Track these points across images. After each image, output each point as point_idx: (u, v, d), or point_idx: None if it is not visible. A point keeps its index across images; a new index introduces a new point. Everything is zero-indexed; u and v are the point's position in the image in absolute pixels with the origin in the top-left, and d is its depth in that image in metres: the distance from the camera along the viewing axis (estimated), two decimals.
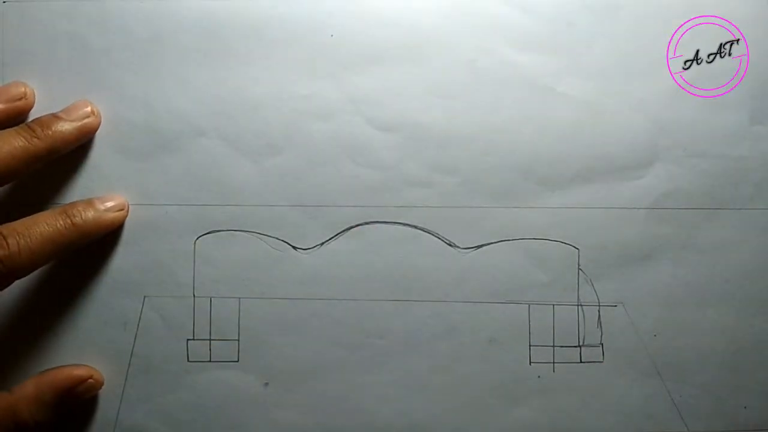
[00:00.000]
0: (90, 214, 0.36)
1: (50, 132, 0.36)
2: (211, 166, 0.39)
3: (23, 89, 0.38)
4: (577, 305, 0.39)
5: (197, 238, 0.39)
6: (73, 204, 0.37)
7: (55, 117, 0.37)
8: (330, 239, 0.39)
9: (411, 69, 0.39)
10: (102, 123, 0.39)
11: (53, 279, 0.38)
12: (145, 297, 0.39)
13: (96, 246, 0.38)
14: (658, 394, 0.39)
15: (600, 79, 0.39)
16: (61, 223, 0.35)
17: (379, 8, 0.39)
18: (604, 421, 0.39)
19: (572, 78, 0.39)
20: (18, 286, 0.38)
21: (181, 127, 0.39)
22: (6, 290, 0.38)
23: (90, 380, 0.37)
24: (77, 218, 0.36)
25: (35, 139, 0.35)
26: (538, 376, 0.39)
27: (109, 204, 0.37)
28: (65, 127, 0.36)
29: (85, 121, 0.37)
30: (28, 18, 0.39)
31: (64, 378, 0.36)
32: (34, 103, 0.38)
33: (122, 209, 0.38)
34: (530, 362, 0.39)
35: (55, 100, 0.39)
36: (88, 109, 0.38)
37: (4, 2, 0.39)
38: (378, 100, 0.39)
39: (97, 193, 0.39)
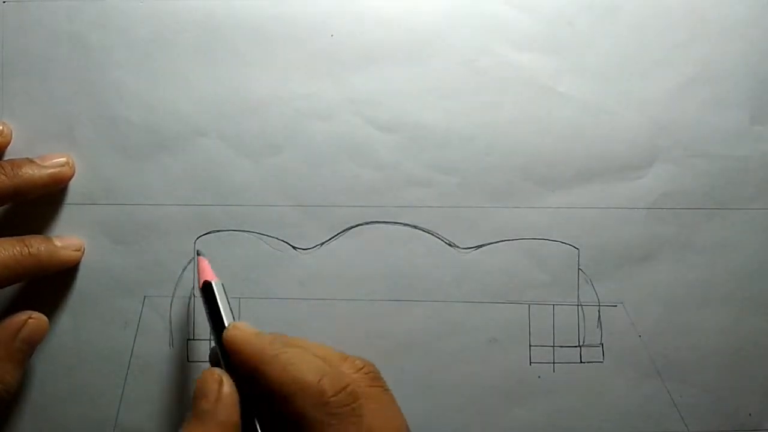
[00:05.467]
0: (45, 248, 0.37)
1: (19, 172, 0.36)
2: (211, 166, 0.39)
3: (0, 127, 0.38)
4: (577, 305, 0.39)
5: (197, 238, 0.39)
6: (31, 236, 0.37)
7: (28, 161, 0.37)
8: (330, 239, 0.39)
9: (411, 69, 0.39)
10: (102, 123, 0.39)
11: (53, 279, 0.38)
12: (145, 297, 0.39)
13: (96, 246, 0.39)
14: (658, 394, 0.39)
15: (600, 79, 0.39)
16: (17, 249, 0.36)
17: (378, 8, 0.39)
18: (604, 421, 0.39)
19: (572, 78, 0.39)
20: (17, 286, 0.38)
21: (181, 127, 0.39)
22: (5, 291, 0.38)
23: (29, 320, 0.36)
24: (33, 248, 0.36)
25: (2, 176, 0.36)
26: (538, 376, 0.39)
27: (67, 242, 0.38)
28: (35, 171, 0.37)
29: (58, 169, 0.38)
30: (28, 18, 0.39)
31: (4, 329, 0.36)
32: (11, 140, 0.38)
33: (78, 250, 0.38)
34: (530, 362, 0.39)
35: (56, 103, 0.39)
36: (64, 159, 0.38)
37: (4, 2, 0.39)
38: (378, 100, 0.39)
39: (97, 192, 0.39)
